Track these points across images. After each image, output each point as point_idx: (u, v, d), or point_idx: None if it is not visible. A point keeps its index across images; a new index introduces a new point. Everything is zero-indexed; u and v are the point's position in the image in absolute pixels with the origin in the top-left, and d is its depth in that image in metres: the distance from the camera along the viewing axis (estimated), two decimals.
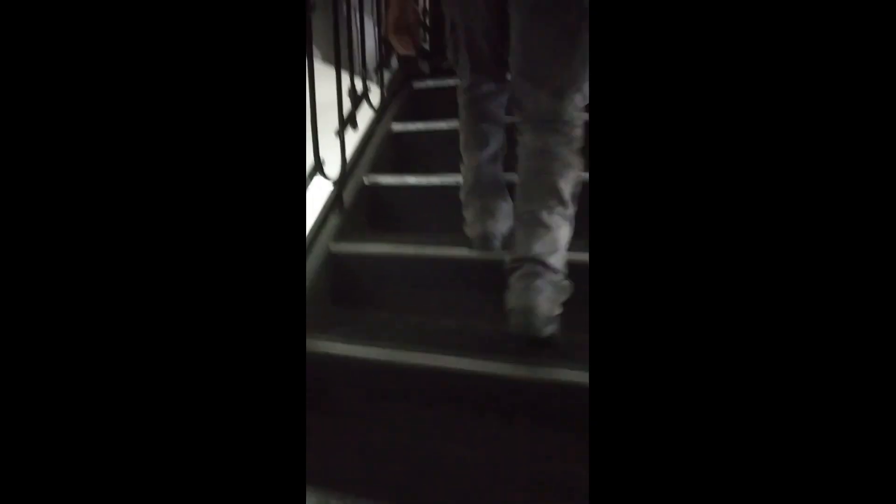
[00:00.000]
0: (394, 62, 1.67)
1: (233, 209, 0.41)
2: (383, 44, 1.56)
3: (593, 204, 0.40)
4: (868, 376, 0.34)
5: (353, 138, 1.41)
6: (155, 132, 0.40)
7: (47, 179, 0.38)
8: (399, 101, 1.62)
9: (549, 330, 0.86)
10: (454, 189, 1.27)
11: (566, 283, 0.88)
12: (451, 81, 1.67)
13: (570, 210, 0.88)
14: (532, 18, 0.84)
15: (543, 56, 0.85)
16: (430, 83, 1.70)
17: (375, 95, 1.51)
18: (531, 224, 0.86)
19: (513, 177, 0.97)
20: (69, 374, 0.37)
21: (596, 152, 0.40)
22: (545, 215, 0.85)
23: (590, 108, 0.89)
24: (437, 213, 1.34)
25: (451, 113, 1.39)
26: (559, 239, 0.86)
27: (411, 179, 1.34)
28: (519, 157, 0.92)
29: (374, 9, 1.51)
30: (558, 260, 0.86)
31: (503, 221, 1.03)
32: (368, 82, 1.45)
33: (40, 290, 0.37)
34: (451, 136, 1.40)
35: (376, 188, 1.38)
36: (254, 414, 0.40)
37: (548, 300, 0.84)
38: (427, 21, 1.93)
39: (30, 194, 0.37)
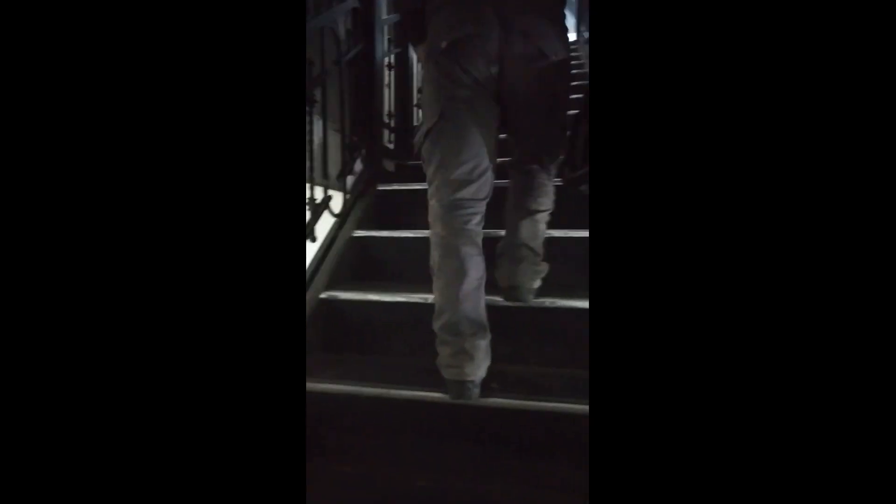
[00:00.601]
0: (357, 165, 1.60)
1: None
2: (347, 150, 1.49)
3: (593, 209, 0.42)
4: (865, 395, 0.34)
5: (312, 247, 1.30)
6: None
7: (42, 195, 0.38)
8: (363, 206, 1.54)
9: (531, 299, 1.14)
10: (421, 308, 1.17)
11: (543, 265, 1.17)
12: (416, 185, 1.62)
13: (548, 212, 1.15)
14: (535, 127, 1.07)
15: (554, 105, 1.05)
16: (395, 186, 1.63)
17: (338, 202, 1.41)
18: (522, 216, 1.13)
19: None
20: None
21: (596, 154, 0.42)
22: (527, 214, 1.12)
23: (589, 110, 1.01)
24: (402, 334, 1.21)
25: (418, 219, 1.33)
26: (538, 230, 1.14)
27: (373, 296, 1.22)
28: (511, 178, 1.17)
29: (339, 116, 1.45)
30: (539, 245, 1.15)
31: (482, 364, 0.92)
32: (331, 191, 1.36)
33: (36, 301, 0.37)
34: (419, 244, 1.31)
35: (334, 303, 1.24)
36: None
37: (530, 279, 1.13)
38: (392, 121, 1.91)
39: (27, 206, 0.37)
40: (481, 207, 0.99)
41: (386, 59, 1.83)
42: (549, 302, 1.13)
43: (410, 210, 1.51)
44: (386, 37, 1.78)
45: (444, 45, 0.95)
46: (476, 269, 0.95)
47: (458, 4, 0.96)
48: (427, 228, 1.03)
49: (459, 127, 0.95)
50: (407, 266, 1.37)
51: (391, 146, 1.90)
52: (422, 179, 1.59)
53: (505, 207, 1.16)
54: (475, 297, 0.94)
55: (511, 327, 1.13)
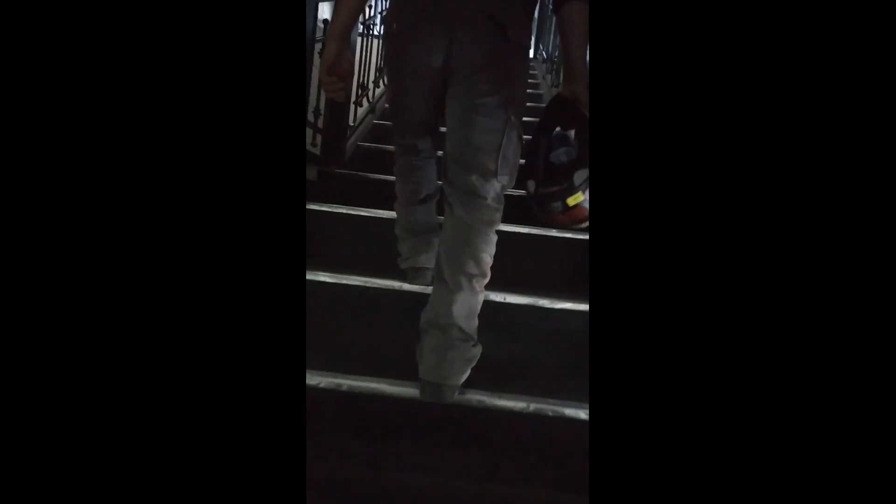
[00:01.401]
0: None
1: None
2: None
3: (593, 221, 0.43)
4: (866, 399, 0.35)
5: None
6: None
7: (43, 184, 0.39)
8: None
9: (454, 396, 0.93)
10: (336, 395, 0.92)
11: (476, 349, 0.94)
12: (343, 209, 1.28)
13: (486, 279, 0.95)
14: (471, 113, 0.90)
15: (476, 148, 0.91)
16: (315, 206, 1.28)
17: None
18: (449, 288, 0.92)
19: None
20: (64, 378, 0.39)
21: (596, 159, 0.43)
22: (464, 281, 0.91)
23: (589, 118, 0.96)
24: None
25: (339, 252, 1.14)
26: (474, 305, 0.94)
27: None
28: (444, 226, 0.97)
29: None
30: (473, 325, 0.94)
31: (435, 255, 1.01)
32: None
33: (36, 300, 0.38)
34: (338, 292, 1.00)
35: None
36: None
37: (458, 373, 0.92)
38: (319, 122, 1.55)
39: (26, 200, 0.38)
40: (432, 153, 1.09)
41: (318, 45, 1.47)
42: (475, 400, 0.94)
43: (331, 240, 1.17)
44: (320, 15, 1.42)
45: (394, 27, 0.93)
46: (427, 190, 1.09)
47: None
48: (353, 271, 1.06)
49: (404, 97, 0.98)
50: (322, 316, 1.03)
51: (315, 150, 1.54)
52: (351, 202, 1.28)
53: (436, 263, 0.96)
54: (427, 208, 1.11)
55: (424, 429, 0.93)
